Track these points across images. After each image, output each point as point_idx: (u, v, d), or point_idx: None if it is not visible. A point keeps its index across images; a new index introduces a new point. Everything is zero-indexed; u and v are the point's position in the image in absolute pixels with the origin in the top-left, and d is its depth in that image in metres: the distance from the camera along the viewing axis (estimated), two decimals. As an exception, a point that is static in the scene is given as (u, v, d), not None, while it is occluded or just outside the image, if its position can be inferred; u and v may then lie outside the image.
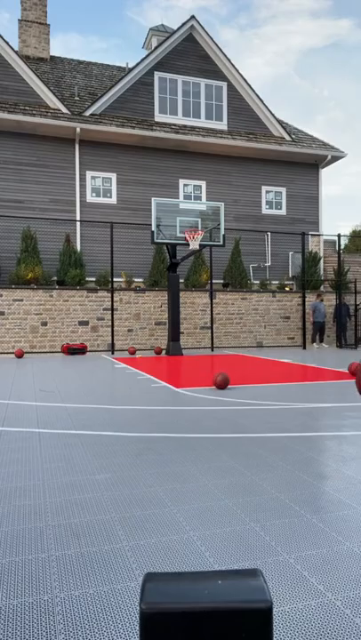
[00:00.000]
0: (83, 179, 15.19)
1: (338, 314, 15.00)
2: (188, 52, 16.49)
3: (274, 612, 1.47)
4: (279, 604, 1.75)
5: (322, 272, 17.23)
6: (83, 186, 15.19)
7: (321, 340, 15.03)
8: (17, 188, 14.53)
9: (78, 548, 2.18)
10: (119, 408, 5.41)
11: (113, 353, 12.96)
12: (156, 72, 16.13)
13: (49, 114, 14.53)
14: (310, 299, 15.29)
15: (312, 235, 17.27)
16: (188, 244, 11.93)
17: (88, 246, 14.99)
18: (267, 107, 17.11)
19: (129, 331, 13.61)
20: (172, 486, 2.92)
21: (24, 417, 4.92)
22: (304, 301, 14.74)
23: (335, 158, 17.56)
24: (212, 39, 16.50)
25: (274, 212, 17.27)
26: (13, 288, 12.57)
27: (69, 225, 14.72)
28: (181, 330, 12.81)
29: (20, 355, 11.68)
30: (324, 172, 22.97)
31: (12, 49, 14.71)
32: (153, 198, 12.36)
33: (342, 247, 16.64)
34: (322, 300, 14.96)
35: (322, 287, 16.43)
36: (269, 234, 16.79)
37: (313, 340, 15.11)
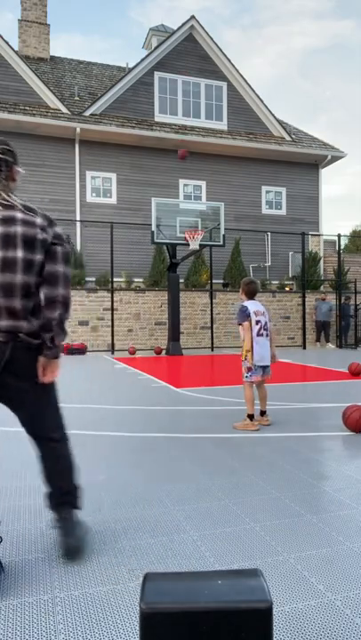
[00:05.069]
0: (83, 179, 15.19)
1: (339, 314, 14.99)
2: (188, 52, 16.48)
3: (274, 612, 1.47)
4: (279, 603, 1.75)
5: (322, 272, 17.23)
6: (83, 186, 15.19)
7: (327, 340, 15.01)
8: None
9: (78, 548, 2.17)
10: (119, 408, 5.41)
11: (113, 353, 12.96)
12: (156, 72, 16.13)
13: (49, 114, 14.53)
14: (310, 299, 15.29)
15: (312, 235, 17.26)
16: (188, 244, 11.92)
17: (88, 246, 14.99)
18: (267, 107, 17.10)
19: (129, 331, 13.60)
20: (172, 486, 2.92)
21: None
22: (304, 301, 14.73)
23: (335, 158, 17.55)
24: (211, 39, 16.50)
25: (274, 212, 17.27)
26: (13, 288, 12.56)
27: (69, 225, 14.71)
28: (181, 330, 12.80)
29: (20, 355, 11.66)
30: (325, 172, 22.96)
31: (12, 49, 14.71)
32: (153, 198, 12.35)
33: (342, 247, 16.62)
34: (324, 300, 14.97)
35: (322, 287, 16.43)
36: (269, 234, 16.78)
37: (317, 340, 15.17)
